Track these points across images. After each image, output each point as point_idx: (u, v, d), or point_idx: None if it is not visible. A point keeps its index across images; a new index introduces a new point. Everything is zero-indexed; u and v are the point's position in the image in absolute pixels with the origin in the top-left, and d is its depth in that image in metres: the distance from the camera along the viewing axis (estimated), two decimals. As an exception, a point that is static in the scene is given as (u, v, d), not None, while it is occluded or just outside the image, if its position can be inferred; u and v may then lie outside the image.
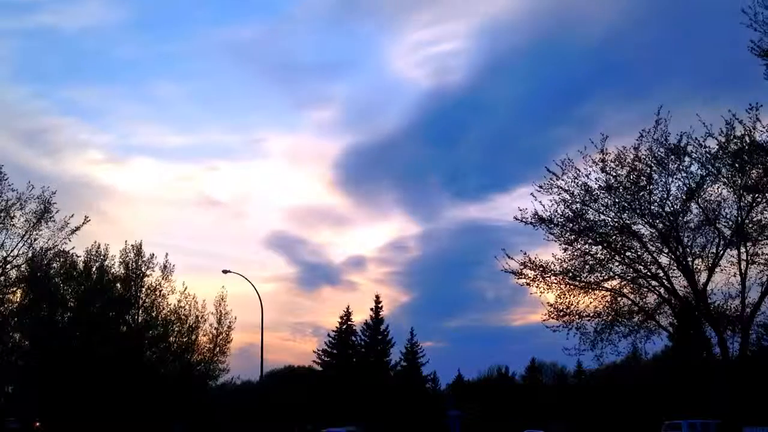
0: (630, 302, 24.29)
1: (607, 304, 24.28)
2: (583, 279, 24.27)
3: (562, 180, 23.50)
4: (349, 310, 64.67)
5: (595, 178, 23.28)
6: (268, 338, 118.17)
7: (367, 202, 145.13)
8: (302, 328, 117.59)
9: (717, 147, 21.22)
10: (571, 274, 24.17)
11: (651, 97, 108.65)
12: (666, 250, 23.32)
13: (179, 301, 41.48)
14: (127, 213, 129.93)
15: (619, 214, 23.52)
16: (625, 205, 23.28)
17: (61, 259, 35.45)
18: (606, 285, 24.37)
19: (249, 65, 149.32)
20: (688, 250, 22.96)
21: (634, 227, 23.48)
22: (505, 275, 24.72)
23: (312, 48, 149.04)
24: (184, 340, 41.75)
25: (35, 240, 29.40)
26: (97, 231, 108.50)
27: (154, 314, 40.91)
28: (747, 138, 20.59)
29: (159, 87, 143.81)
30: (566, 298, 24.17)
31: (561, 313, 24.01)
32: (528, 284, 24.48)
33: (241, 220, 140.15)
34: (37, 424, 38.68)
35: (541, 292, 24.39)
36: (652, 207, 23.03)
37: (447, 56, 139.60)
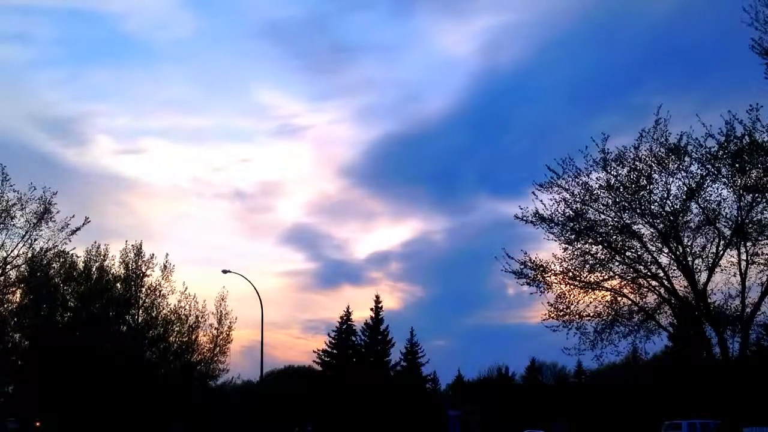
0: (630, 302, 24.25)
1: (607, 304, 24.25)
2: (583, 279, 24.25)
3: (563, 179, 23.52)
4: (350, 310, 64.75)
5: (596, 178, 23.31)
6: (278, 335, 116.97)
7: (397, 195, 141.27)
8: (316, 326, 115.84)
9: (717, 147, 21.22)
10: (571, 274, 24.16)
11: (709, 85, 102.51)
12: (666, 250, 23.28)
13: (179, 301, 41.62)
14: (150, 205, 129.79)
15: (619, 214, 23.50)
16: (626, 204, 23.25)
17: (61, 260, 35.50)
18: (606, 285, 24.33)
19: (289, 47, 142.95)
20: (688, 250, 22.92)
21: (634, 227, 23.46)
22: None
23: (358, 29, 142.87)
24: (184, 340, 41.80)
25: (35, 240, 29.42)
26: (117, 224, 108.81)
27: (154, 314, 40.95)
28: (747, 138, 20.60)
29: (193, 72, 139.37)
30: (566, 298, 24.17)
31: (561, 313, 24.00)
32: (528, 284, 24.49)
33: (266, 213, 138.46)
34: (38, 424, 38.68)
35: (541, 292, 24.39)
36: (652, 207, 23.01)
37: (498, 35, 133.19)
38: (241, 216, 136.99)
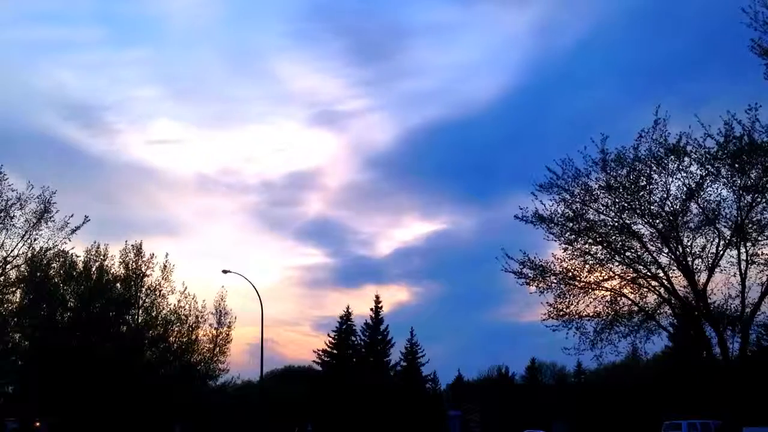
0: (630, 302, 24.26)
1: (607, 304, 24.26)
2: (583, 279, 24.26)
3: (563, 179, 23.53)
4: (349, 310, 64.67)
5: (596, 178, 23.32)
6: (289, 333, 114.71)
7: (429, 187, 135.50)
8: (328, 323, 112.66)
9: (716, 147, 21.21)
10: (571, 274, 24.16)
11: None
12: (666, 250, 23.31)
13: (179, 301, 41.57)
14: (175, 197, 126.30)
15: (619, 214, 23.53)
16: (625, 204, 23.28)
17: (61, 259, 35.48)
18: (606, 285, 24.36)
19: (335, 28, 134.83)
20: (688, 250, 22.95)
21: (634, 227, 23.49)
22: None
23: (411, 11, 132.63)
24: (184, 340, 41.79)
25: (35, 240, 29.34)
26: (139, 219, 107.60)
27: (154, 314, 40.93)
28: (746, 138, 20.59)
29: (229, 56, 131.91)
30: (566, 297, 24.16)
31: (561, 313, 23.98)
32: (528, 284, 24.50)
33: (292, 206, 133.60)
34: (37, 424, 38.67)
35: (540, 291, 24.39)
36: (652, 207, 23.03)
37: (555, 13, 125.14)
38: (268, 208, 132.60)
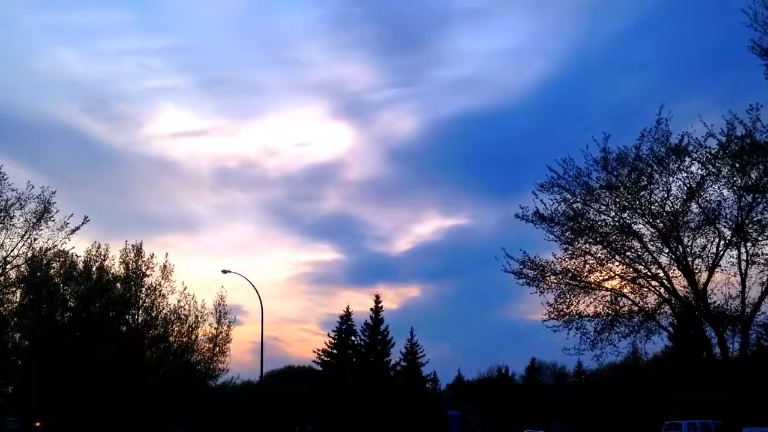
0: (630, 302, 24.26)
1: (607, 304, 24.26)
2: (583, 279, 24.25)
3: (564, 179, 23.52)
4: (349, 310, 64.68)
5: (597, 177, 23.31)
6: (294, 331, 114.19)
7: (452, 183, 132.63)
8: (336, 321, 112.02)
9: (717, 147, 21.20)
10: (571, 274, 24.16)
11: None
12: (666, 250, 23.31)
13: (179, 301, 41.52)
14: (194, 192, 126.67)
15: (619, 214, 23.53)
16: (626, 204, 23.28)
17: (61, 259, 35.48)
18: (606, 285, 24.35)
19: (367, 13, 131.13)
20: (688, 250, 22.94)
21: (635, 227, 23.49)
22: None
23: None
24: (184, 340, 41.76)
25: (35, 240, 29.31)
26: (155, 215, 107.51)
27: (154, 314, 40.89)
28: (747, 138, 20.59)
29: (254, 44, 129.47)
30: (566, 298, 24.16)
31: (561, 313, 23.98)
32: (528, 284, 24.49)
33: (312, 201, 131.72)
34: (38, 424, 38.65)
35: (541, 292, 24.38)
36: (653, 207, 23.03)
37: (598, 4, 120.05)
38: (286, 203, 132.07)
